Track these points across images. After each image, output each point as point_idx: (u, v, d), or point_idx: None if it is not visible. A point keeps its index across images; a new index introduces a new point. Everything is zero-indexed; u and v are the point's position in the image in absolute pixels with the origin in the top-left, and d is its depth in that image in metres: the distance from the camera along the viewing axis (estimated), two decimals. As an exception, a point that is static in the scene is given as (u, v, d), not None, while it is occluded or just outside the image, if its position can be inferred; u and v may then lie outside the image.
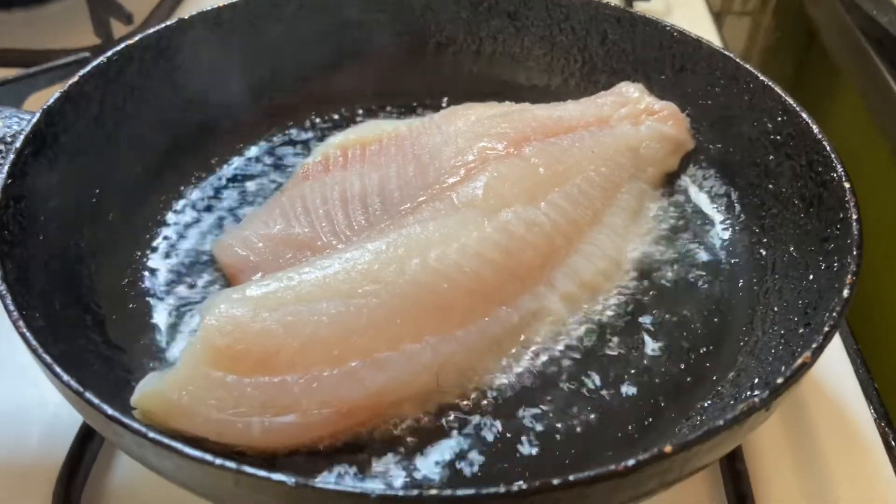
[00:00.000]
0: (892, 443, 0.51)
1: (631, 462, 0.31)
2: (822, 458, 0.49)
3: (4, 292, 0.37)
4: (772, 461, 0.48)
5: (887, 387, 0.55)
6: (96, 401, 0.32)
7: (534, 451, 0.41)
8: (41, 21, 0.93)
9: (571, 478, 0.30)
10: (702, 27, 0.94)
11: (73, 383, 0.33)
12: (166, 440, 0.31)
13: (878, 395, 0.54)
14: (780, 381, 0.34)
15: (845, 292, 0.38)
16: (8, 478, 0.46)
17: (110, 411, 0.32)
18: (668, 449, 0.31)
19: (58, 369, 0.33)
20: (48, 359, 0.34)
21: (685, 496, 0.45)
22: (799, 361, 0.35)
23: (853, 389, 0.54)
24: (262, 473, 0.30)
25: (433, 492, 0.33)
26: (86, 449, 0.46)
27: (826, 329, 0.36)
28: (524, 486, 0.30)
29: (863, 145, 0.99)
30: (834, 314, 0.37)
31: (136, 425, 0.32)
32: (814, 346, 0.36)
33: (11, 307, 0.36)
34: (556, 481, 0.30)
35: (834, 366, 0.55)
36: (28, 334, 0.35)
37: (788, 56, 1.34)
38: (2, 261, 0.39)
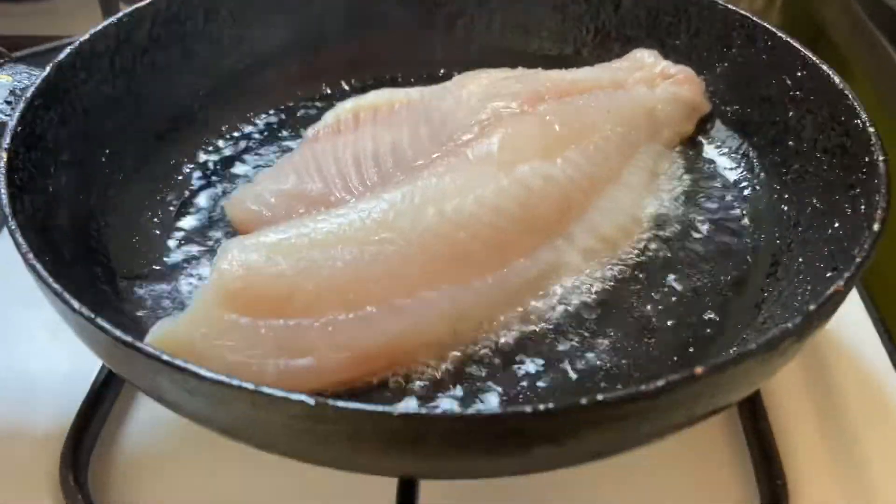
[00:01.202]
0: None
1: (661, 382, 0.29)
2: (847, 417, 0.48)
3: (14, 227, 0.36)
4: (796, 422, 0.47)
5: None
6: (108, 325, 0.31)
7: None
8: (49, 12, 0.93)
9: (600, 397, 0.29)
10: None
11: (84, 310, 0.32)
12: (181, 363, 0.30)
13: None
14: (813, 307, 0.33)
15: (876, 226, 0.37)
16: (17, 441, 0.45)
17: (123, 336, 0.31)
18: (698, 370, 0.30)
19: (67, 297, 0.33)
20: (58, 287, 0.33)
21: (708, 458, 0.44)
22: (832, 289, 0.34)
23: (878, 354, 0.52)
24: (280, 393, 0.29)
25: (457, 411, 0.32)
26: (94, 413, 0.46)
27: (858, 260, 0.35)
28: (551, 407, 0.29)
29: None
30: (865, 247, 0.36)
31: (149, 349, 0.31)
32: (847, 275, 0.35)
33: (21, 241, 0.35)
34: (583, 401, 0.29)
35: (858, 331, 0.53)
36: (38, 266, 0.34)
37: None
38: (12, 200, 0.38)
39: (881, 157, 0.42)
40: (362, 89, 0.63)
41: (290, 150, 0.57)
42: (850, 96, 0.46)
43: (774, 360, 0.33)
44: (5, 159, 0.40)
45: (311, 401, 0.28)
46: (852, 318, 0.54)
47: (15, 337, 0.51)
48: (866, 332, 0.53)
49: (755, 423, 0.45)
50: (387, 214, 0.43)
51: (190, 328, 0.38)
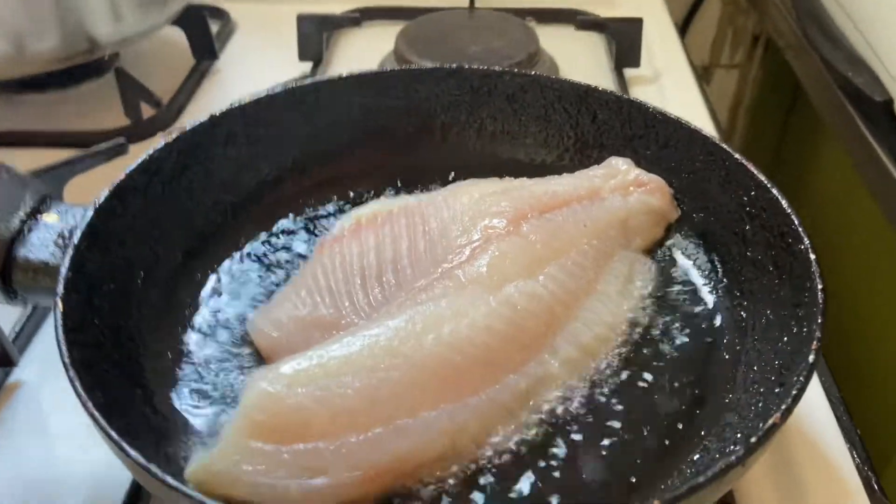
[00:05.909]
0: (875, 486, 0.55)
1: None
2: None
3: (73, 376, 0.42)
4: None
5: (869, 432, 0.60)
6: (160, 473, 0.38)
7: (542, 504, 0.46)
8: (73, 101, 1.00)
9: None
10: (687, 91, 1.01)
11: (141, 460, 0.38)
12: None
13: (860, 441, 0.59)
14: (753, 440, 0.39)
15: (811, 358, 0.44)
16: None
17: (173, 482, 0.37)
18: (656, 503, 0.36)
19: (125, 446, 0.39)
20: (115, 436, 0.39)
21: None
22: (770, 422, 0.40)
23: (835, 435, 0.58)
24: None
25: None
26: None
27: (794, 392, 0.42)
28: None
29: (849, 192, 1.05)
30: (801, 378, 0.43)
31: (196, 494, 0.37)
32: (783, 407, 0.41)
33: (80, 390, 0.42)
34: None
35: (817, 412, 0.60)
36: (97, 414, 0.40)
37: (776, 107, 1.40)
38: (69, 348, 0.44)
39: (820, 286, 0.48)
40: (368, 197, 0.69)
41: (299, 257, 0.63)
42: (796, 221, 0.53)
43: (723, 486, 0.39)
44: (61, 308, 0.46)
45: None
46: (814, 401, 0.60)
47: (52, 438, 0.57)
48: (826, 416, 0.59)
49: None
50: (391, 342, 0.49)
51: (222, 457, 0.44)
